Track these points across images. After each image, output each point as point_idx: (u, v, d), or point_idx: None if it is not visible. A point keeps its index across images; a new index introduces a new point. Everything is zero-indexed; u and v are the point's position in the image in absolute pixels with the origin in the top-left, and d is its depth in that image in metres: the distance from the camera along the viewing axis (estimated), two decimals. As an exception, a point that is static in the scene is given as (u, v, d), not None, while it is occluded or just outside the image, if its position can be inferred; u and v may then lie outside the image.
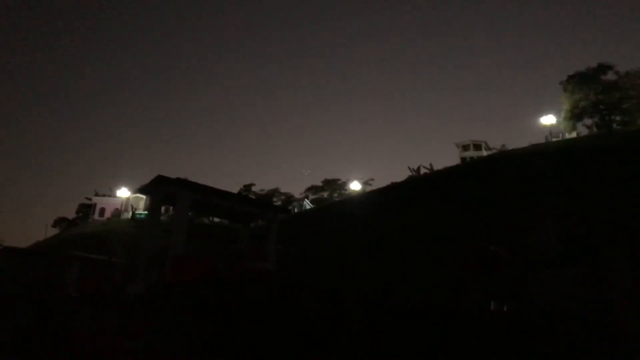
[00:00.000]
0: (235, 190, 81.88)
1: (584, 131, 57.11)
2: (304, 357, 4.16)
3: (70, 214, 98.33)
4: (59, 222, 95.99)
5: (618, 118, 53.83)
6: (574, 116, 55.26)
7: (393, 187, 45.40)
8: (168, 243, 13.57)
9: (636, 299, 5.14)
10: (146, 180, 14.84)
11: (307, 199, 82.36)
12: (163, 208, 31.32)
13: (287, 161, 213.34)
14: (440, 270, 16.87)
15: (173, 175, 14.14)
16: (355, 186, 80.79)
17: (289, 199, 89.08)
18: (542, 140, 59.87)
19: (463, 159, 72.19)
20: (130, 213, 78.98)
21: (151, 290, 10.60)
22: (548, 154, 33.61)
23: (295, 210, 67.65)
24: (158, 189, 14.39)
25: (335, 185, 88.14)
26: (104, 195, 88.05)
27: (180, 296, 7.86)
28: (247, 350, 4.54)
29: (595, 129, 55.04)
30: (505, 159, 38.98)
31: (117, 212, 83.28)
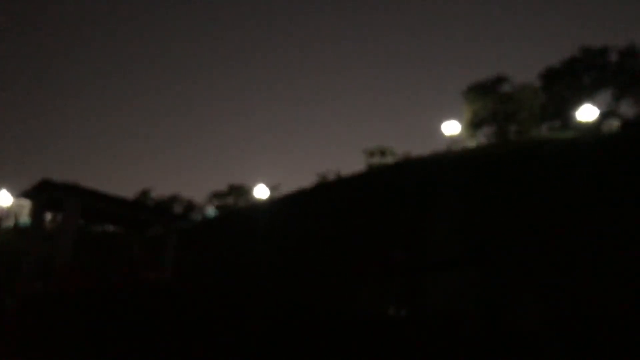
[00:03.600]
0: (131, 196, 78.18)
1: (484, 140, 60.66)
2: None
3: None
4: None
5: (514, 128, 57.96)
6: (474, 125, 58.77)
7: (300, 193, 45.48)
8: (53, 252, 12.67)
9: (527, 298, 5.36)
10: (31, 184, 13.71)
11: (211, 206, 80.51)
12: (50, 215, 29.22)
13: (189, 165, 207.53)
14: (342, 277, 17.04)
15: (60, 179, 13.19)
16: (261, 192, 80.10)
17: (190, 205, 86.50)
18: (444, 148, 62.56)
19: (369, 166, 73.92)
20: (12, 220, 72.82)
21: (32, 303, 9.70)
22: (448, 161, 35.22)
23: (198, 217, 65.86)
24: (42, 194, 13.35)
25: (241, 191, 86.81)
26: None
27: (63, 309, 7.19)
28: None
29: (493, 138, 58.75)
30: (409, 165, 40.29)
31: (-4, 219, 76.45)
